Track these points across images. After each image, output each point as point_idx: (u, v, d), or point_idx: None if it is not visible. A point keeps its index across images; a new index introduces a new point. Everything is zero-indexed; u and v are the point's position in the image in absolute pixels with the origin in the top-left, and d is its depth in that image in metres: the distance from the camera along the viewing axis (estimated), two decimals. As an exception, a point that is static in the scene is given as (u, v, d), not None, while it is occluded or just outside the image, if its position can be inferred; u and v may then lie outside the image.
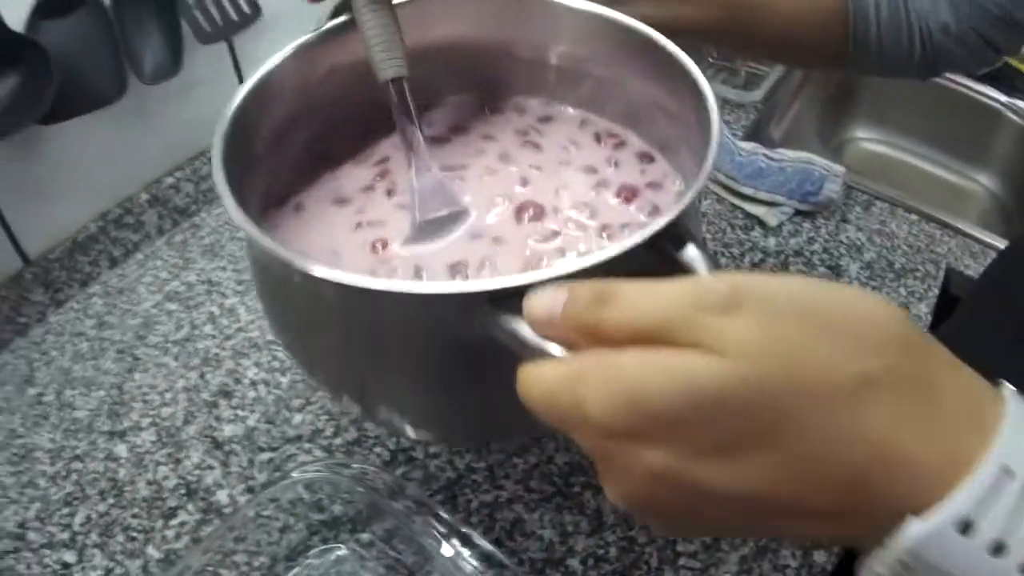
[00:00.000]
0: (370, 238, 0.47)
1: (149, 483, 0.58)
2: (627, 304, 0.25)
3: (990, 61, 0.54)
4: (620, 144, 0.52)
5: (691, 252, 0.35)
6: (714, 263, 0.34)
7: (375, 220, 0.48)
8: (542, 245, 0.46)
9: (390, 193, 0.50)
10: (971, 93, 1.05)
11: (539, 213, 0.47)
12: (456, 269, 0.45)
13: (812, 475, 0.24)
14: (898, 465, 0.23)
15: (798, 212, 0.77)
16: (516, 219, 0.47)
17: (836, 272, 0.72)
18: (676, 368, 0.24)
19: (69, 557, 0.56)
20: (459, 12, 0.52)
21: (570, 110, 0.55)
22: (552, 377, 0.26)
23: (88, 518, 0.57)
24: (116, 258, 0.78)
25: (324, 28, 0.47)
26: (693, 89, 0.42)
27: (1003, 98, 1.05)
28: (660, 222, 0.34)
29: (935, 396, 0.24)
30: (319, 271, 0.34)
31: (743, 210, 0.78)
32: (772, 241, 0.75)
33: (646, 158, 0.51)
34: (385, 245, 0.46)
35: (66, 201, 0.75)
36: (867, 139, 1.13)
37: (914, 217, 0.78)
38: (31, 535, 0.58)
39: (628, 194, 0.48)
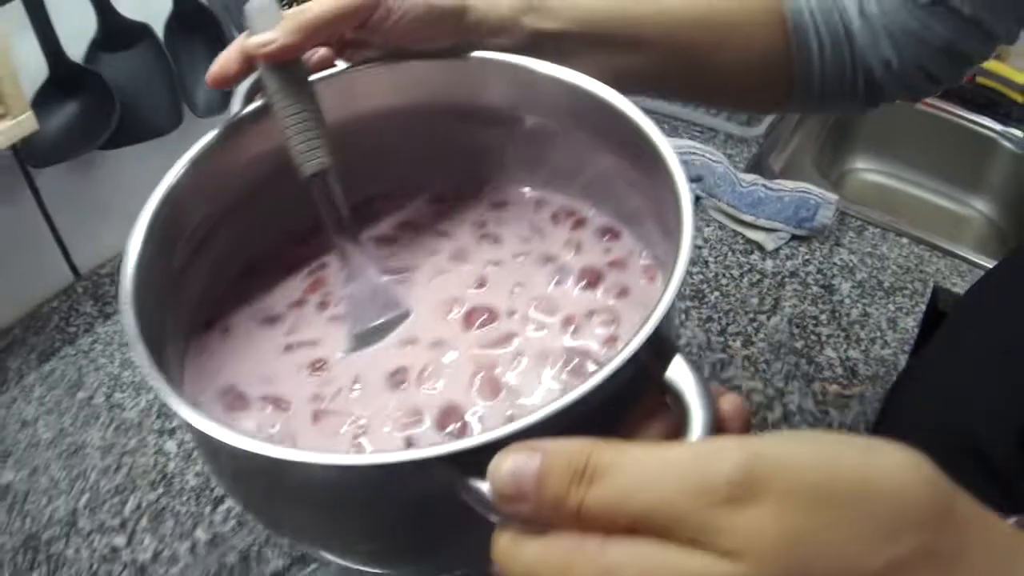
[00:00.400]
0: (305, 360, 0.42)
1: (197, 474, 0.64)
2: (615, 486, 0.22)
3: (930, 92, 0.54)
4: (580, 222, 0.47)
5: (677, 367, 0.29)
6: (702, 380, 0.28)
7: (307, 340, 0.43)
8: (495, 351, 0.41)
9: (323, 305, 0.45)
10: (966, 123, 1.10)
11: (492, 317, 0.42)
12: (397, 378, 0.40)
13: None
14: None
15: (794, 237, 0.82)
16: (465, 325, 0.42)
17: (829, 291, 0.76)
18: (678, 570, 0.21)
19: (119, 541, 0.61)
20: (405, 81, 0.45)
21: (526, 191, 0.50)
22: (535, 562, 0.23)
23: (138, 505, 0.62)
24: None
25: (236, 116, 0.42)
26: (657, 159, 0.37)
27: (998, 127, 1.09)
28: (638, 339, 0.29)
29: (965, 565, 0.22)
30: (253, 446, 0.29)
31: (743, 236, 0.83)
32: (770, 263, 0.80)
33: (609, 233, 0.46)
34: (323, 365, 0.41)
35: (117, 221, 0.80)
36: (866, 169, 1.18)
37: (905, 240, 0.82)
38: (81, 522, 0.63)
39: (592, 278, 0.44)
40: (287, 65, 0.39)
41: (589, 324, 0.41)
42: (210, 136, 0.41)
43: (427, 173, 0.50)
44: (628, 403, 0.30)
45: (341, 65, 0.44)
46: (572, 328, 0.41)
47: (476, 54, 0.43)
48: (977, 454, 0.49)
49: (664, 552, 0.21)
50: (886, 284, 0.77)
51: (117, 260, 0.81)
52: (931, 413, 0.57)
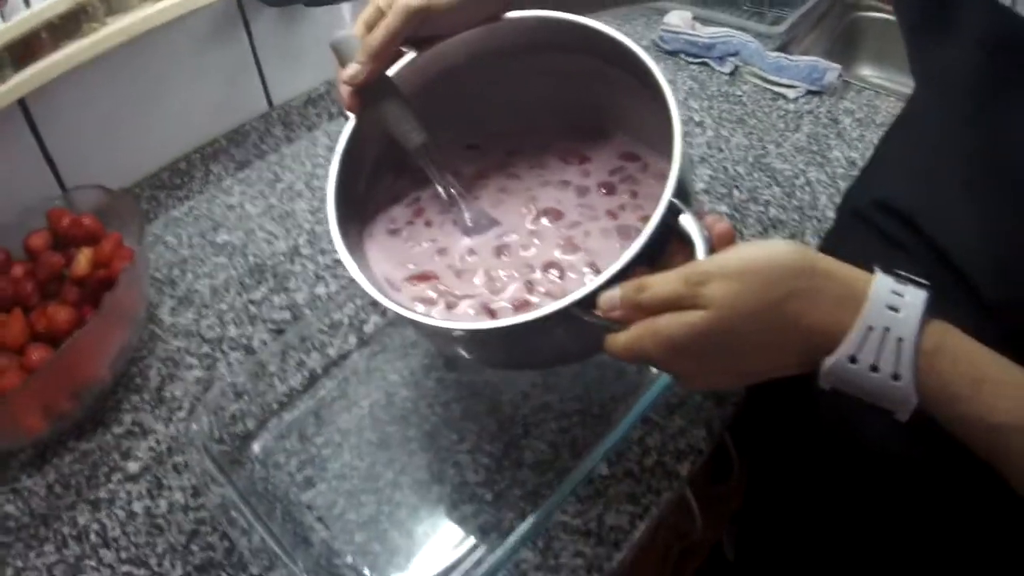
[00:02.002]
0: (432, 249, 0.59)
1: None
2: (652, 290, 0.42)
3: None
4: (585, 160, 0.62)
5: (686, 221, 0.45)
6: (701, 227, 0.44)
7: (428, 238, 0.60)
8: (570, 231, 0.57)
9: (428, 224, 0.60)
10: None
11: (559, 215, 0.59)
12: (502, 250, 0.57)
13: (774, 351, 0.42)
14: (813, 332, 0.41)
15: (809, 91, 1.06)
16: (542, 219, 0.59)
17: (835, 122, 1.00)
18: (684, 322, 0.41)
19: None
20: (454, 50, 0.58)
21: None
22: (626, 339, 0.43)
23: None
24: (333, 114, 1.07)
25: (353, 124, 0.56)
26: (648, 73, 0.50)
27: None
28: (656, 216, 0.44)
29: (825, 294, 0.41)
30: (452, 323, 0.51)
31: (772, 91, 1.07)
32: (792, 105, 1.04)
33: (625, 157, 0.61)
34: (445, 250, 0.58)
35: (308, 66, 1.04)
36: (871, 76, 1.39)
37: (892, 99, 1.06)
38: (304, 250, 0.87)
39: (607, 189, 0.60)
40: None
41: (624, 212, 0.58)
42: (349, 125, 0.56)
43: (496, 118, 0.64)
44: (663, 246, 0.46)
45: (409, 55, 0.57)
46: (615, 216, 0.57)
47: (509, 14, 0.56)
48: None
49: (676, 314, 0.42)
50: (878, 120, 1.01)
51: (304, 97, 1.04)
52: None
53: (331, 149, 1.02)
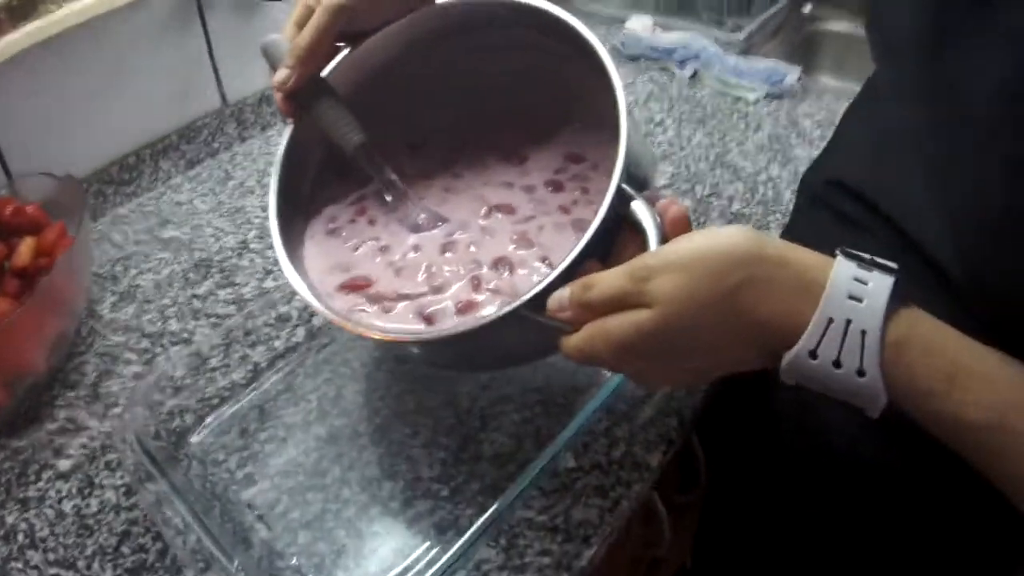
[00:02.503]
0: (373, 248, 0.55)
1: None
2: (598, 288, 0.40)
3: None
4: (523, 160, 0.59)
5: (637, 207, 0.42)
6: (652, 213, 0.42)
7: (371, 237, 0.56)
8: (522, 225, 0.54)
9: (372, 223, 0.57)
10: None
11: (510, 209, 0.56)
12: (448, 247, 0.53)
13: (729, 347, 0.39)
14: (770, 325, 0.37)
15: (768, 94, 1.05)
16: (491, 214, 0.56)
17: (794, 123, 1.00)
18: (631, 322, 0.38)
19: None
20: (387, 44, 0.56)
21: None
22: (577, 341, 0.41)
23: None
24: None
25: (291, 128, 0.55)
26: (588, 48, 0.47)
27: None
28: (605, 203, 0.42)
29: (780, 283, 0.37)
30: (395, 333, 0.47)
31: (732, 95, 1.06)
32: (751, 110, 1.03)
33: (570, 159, 0.58)
34: (387, 249, 0.55)
35: (264, 63, 1.00)
36: (830, 85, 1.39)
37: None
38: (253, 245, 0.83)
39: (555, 186, 0.57)
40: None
41: (576, 207, 0.55)
42: (288, 131, 0.55)
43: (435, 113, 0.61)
44: (615, 236, 0.44)
45: (344, 52, 0.55)
46: (567, 211, 0.54)
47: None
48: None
49: (624, 315, 0.39)
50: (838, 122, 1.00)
51: (259, 95, 1.01)
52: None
53: (286, 147, 0.99)
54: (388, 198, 0.56)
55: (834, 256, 0.38)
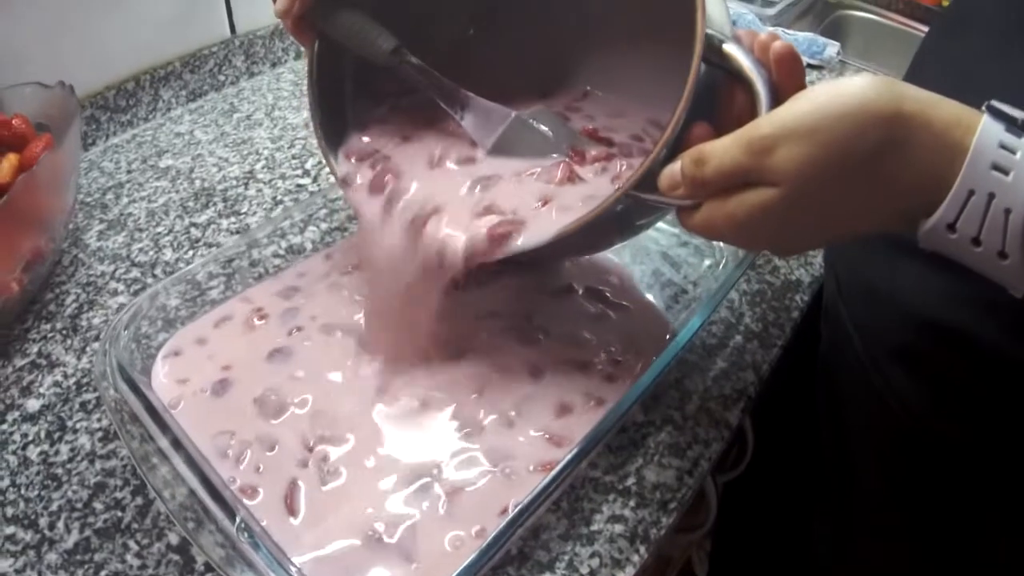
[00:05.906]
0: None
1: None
2: (712, 163, 0.34)
3: None
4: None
5: (733, 51, 0.36)
6: (755, 59, 0.36)
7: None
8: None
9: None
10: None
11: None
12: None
13: (865, 214, 0.33)
14: (910, 193, 0.31)
15: (808, 66, 0.96)
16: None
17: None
18: (755, 204, 0.33)
19: (304, 181, 0.69)
20: None
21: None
22: (699, 219, 0.35)
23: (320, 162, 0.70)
24: (301, 52, 0.92)
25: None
26: None
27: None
28: (696, 54, 0.35)
29: (921, 146, 0.31)
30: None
31: (768, 63, 0.96)
32: (792, 77, 0.93)
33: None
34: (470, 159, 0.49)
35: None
36: (853, 67, 1.32)
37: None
38: (260, 175, 0.71)
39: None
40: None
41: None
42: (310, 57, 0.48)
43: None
44: (715, 92, 0.37)
45: None
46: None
47: None
48: None
49: (746, 194, 0.33)
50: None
51: (271, 27, 0.89)
52: None
53: (297, 86, 0.87)
54: (440, 102, 0.47)
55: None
